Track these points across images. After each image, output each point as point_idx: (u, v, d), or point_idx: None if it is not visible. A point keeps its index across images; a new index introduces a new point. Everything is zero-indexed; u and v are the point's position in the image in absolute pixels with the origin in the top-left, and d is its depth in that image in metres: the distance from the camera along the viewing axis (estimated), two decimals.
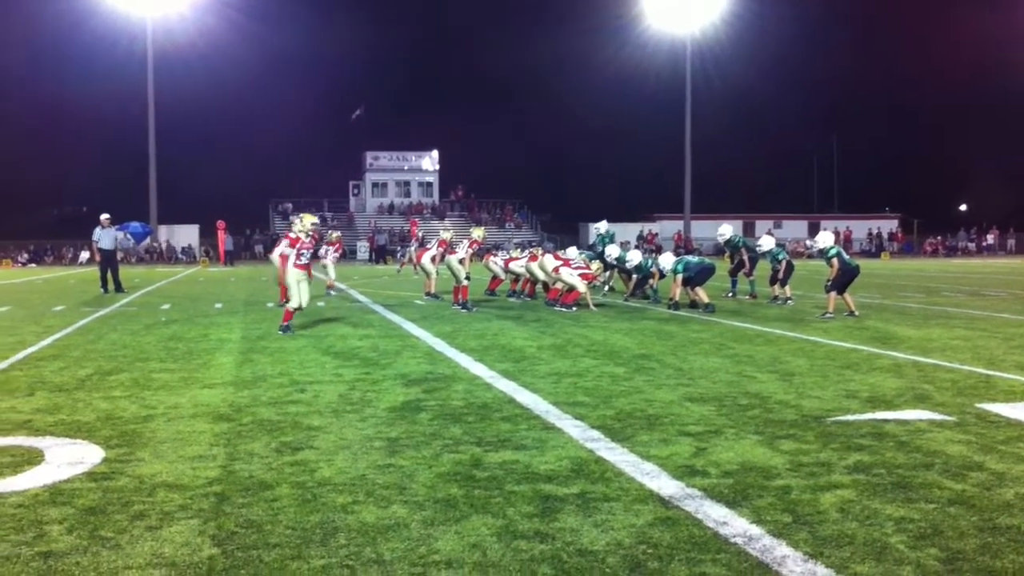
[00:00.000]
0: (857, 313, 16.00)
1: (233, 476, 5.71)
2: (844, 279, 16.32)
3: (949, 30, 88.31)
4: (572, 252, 20.36)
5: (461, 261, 18.95)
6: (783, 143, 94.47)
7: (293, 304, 13.96)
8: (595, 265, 19.61)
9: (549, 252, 20.81)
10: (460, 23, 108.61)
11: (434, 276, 20.82)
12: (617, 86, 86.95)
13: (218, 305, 20.15)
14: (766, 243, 20.21)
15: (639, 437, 6.72)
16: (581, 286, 17.73)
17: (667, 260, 18.73)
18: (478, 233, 20.53)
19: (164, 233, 64.63)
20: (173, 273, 40.88)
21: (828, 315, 15.92)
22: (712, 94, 76.90)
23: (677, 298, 17.87)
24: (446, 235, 20.29)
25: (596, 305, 18.11)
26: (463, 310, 17.65)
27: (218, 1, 62.60)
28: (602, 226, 24.01)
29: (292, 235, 14.49)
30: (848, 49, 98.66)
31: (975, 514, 4.89)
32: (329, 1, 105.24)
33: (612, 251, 21.06)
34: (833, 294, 16.29)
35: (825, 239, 17.20)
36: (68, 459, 6.16)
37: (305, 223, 14.37)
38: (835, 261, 16.33)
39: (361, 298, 22.05)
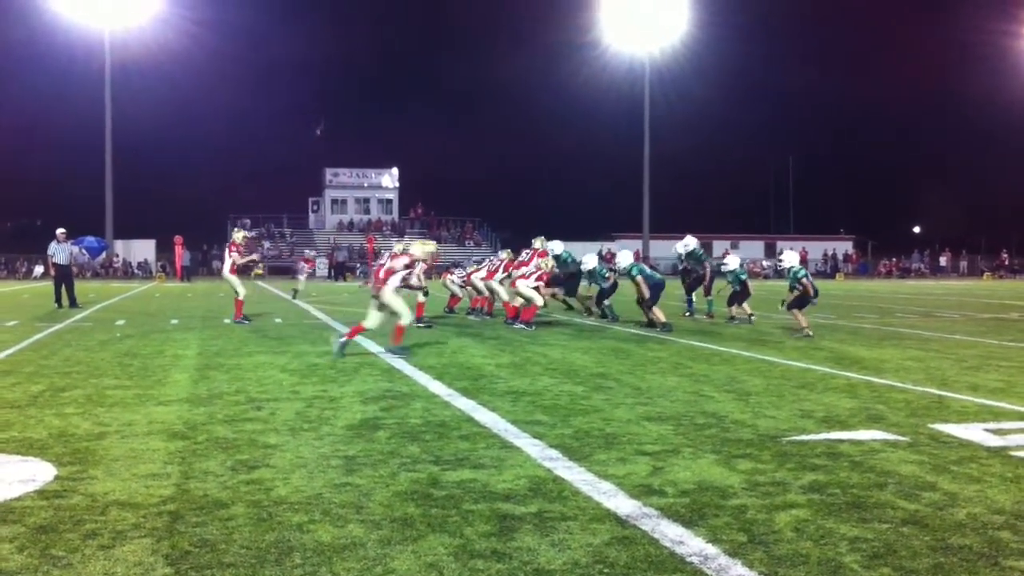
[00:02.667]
0: (811, 333, 16.18)
1: (187, 494, 5.66)
2: (806, 299, 16.57)
3: (904, 54, 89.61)
4: (558, 245, 20.03)
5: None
6: (740, 164, 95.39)
7: (405, 321, 13.15)
8: (548, 263, 19.17)
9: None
10: (422, 40, 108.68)
11: None
12: (578, 105, 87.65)
13: (174, 321, 19.97)
14: (731, 262, 20.08)
15: (597, 456, 6.73)
16: (539, 300, 17.74)
17: (625, 258, 18.89)
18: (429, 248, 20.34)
19: (120, 248, 64.01)
20: (129, 288, 40.47)
21: (805, 333, 16.12)
22: (671, 114, 77.56)
23: (647, 295, 17.83)
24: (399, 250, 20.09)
25: (554, 323, 18.14)
26: (420, 326, 17.61)
27: (177, 15, 62.28)
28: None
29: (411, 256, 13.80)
30: (804, 72, 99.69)
31: (928, 534, 4.94)
32: (290, 16, 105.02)
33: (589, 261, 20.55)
34: (796, 311, 16.51)
35: (791, 259, 17.35)
36: (19, 477, 6.07)
37: (428, 248, 14.59)
38: (805, 281, 16.56)
39: (320, 315, 21.94)
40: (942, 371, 11.61)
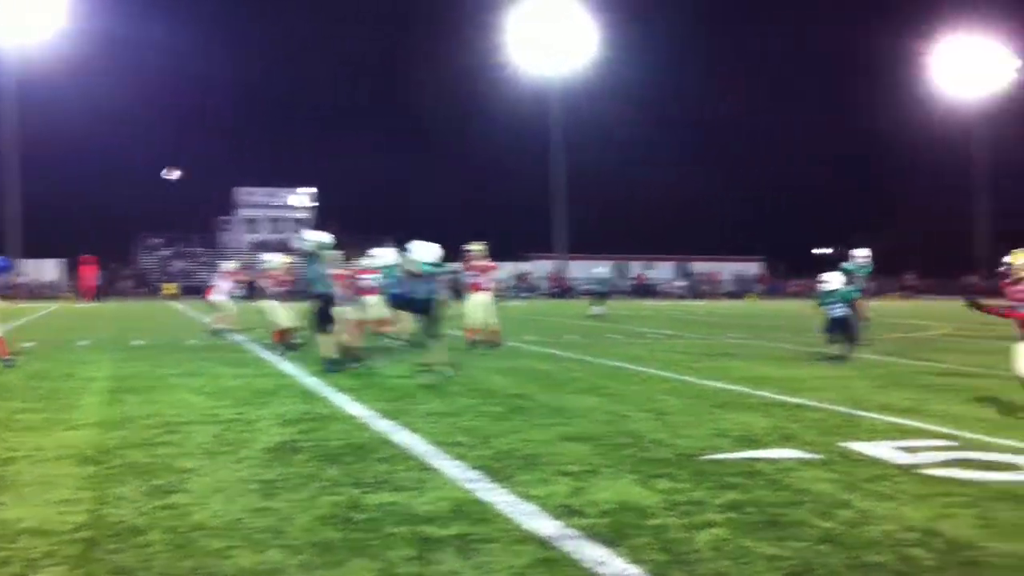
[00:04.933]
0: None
1: (102, 521, 5.53)
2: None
3: (812, 79, 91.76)
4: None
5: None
6: (655, 185, 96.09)
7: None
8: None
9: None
10: (335, 62, 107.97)
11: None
12: (491, 126, 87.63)
13: (84, 342, 19.55)
14: (833, 280, 16.04)
15: (518, 477, 6.74)
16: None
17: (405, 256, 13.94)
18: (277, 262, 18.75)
19: (31, 268, 62.51)
20: (37, 309, 39.49)
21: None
22: (582, 135, 78.07)
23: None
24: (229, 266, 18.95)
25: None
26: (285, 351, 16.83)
27: (82, 31, 61.37)
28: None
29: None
30: (719, 93, 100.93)
31: (843, 552, 5.04)
32: (203, 32, 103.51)
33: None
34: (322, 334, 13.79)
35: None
36: None
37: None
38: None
39: (237, 337, 21.63)
40: (854, 390, 11.83)
